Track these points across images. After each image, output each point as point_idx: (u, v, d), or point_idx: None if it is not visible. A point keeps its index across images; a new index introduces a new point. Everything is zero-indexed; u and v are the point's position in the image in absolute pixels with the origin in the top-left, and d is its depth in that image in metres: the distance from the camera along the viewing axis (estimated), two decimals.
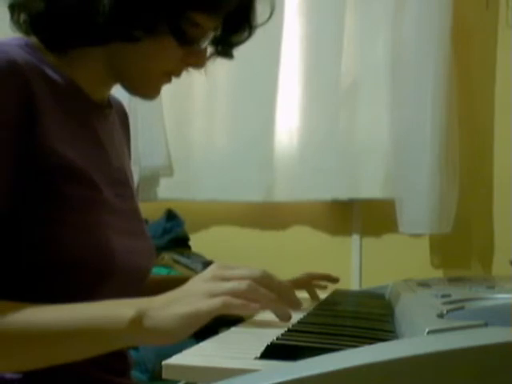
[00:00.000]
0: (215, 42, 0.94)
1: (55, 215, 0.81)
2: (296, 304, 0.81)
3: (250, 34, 0.95)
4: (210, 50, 0.95)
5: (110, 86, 0.97)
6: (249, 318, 0.85)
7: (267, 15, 0.94)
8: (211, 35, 0.91)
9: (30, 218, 0.80)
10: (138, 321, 0.70)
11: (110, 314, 0.72)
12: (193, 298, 0.71)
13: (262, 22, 0.95)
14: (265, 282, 0.75)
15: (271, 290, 0.75)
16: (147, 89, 0.93)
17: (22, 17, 0.87)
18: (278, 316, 0.77)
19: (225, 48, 0.95)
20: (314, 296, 1.21)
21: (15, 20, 0.88)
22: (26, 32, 0.87)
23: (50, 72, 0.86)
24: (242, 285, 0.72)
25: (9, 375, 0.82)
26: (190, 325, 0.69)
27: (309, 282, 1.22)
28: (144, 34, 0.84)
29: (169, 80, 0.93)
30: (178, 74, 0.93)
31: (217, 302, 0.70)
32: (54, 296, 0.77)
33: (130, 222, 0.95)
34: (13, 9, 0.87)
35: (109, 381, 0.92)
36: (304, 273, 1.23)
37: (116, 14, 0.82)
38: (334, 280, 1.25)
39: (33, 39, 0.87)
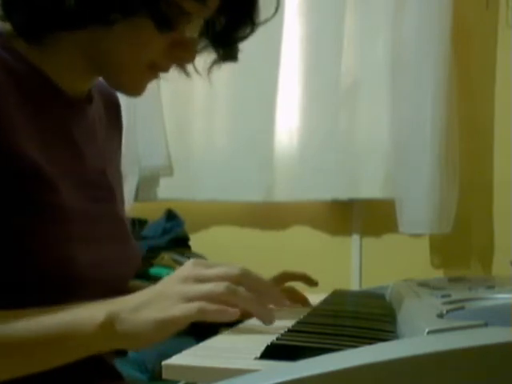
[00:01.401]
0: (216, 41, 0.88)
1: (15, 226, 0.75)
2: (279, 301, 0.77)
3: (252, 31, 0.87)
4: (210, 51, 0.90)
5: (88, 80, 0.89)
6: (248, 318, 0.82)
7: (270, 11, 0.88)
8: (199, 24, 0.84)
9: None
10: (108, 325, 0.67)
11: (79, 319, 0.69)
12: (167, 301, 0.68)
13: (267, 18, 0.88)
14: (244, 280, 0.71)
15: (251, 290, 0.71)
16: (130, 83, 0.85)
17: None
18: (259, 318, 0.73)
19: (227, 48, 0.89)
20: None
21: None
22: None
23: (16, 64, 0.79)
24: (218, 287, 0.68)
25: None
26: (164, 331, 0.67)
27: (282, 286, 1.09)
28: (121, 16, 0.77)
29: (155, 76, 0.85)
30: (164, 68, 0.85)
31: (192, 308, 0.66)
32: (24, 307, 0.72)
33: (106, 227, 0.88)
34: None
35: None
36: (279, 273, 1.10)
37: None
38: (312, 283, 1.12)
39: (5, 26, 0.80)
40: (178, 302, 0.68)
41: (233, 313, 0.68)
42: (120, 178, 0.99)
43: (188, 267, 0.72)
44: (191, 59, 0.86)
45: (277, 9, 0.89)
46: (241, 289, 0.70)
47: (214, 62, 0.91)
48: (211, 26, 0.87)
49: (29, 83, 0.81)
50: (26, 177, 0.76)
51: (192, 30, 0.84)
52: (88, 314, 0.69)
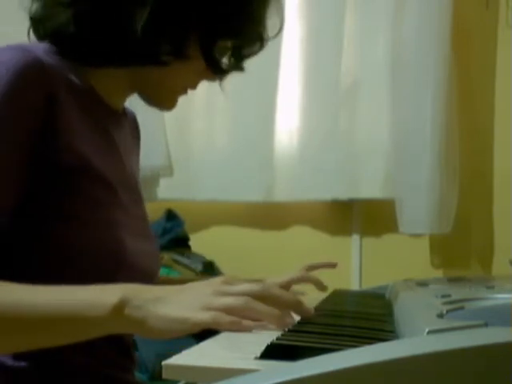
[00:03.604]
0: (228, 56, 0.97)
1: (72, 211, 0.83)
2: (306, 313, 0.78)
3: (261, 47, 0.97)
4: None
5: (127, 96, 1.00)
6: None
7: (277, 27, 0.99)
8: (227, 53, 0.95)
9: (44, 213, 0.82)
10: (120, 308, 0.70)
11: (93, 299, 0.71)
12: (187, 305, 0.70)
13: (273, 35, 0.98)
14: (267, 296, 0.72)
15: (274, 304, 0.72)
16: (166, 102, 0.97)
17: (43, 29, 0.89)
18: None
19: (237, 61, 0.97)
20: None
21: (35, 30, 0.90)
22: (45, 41, 0.89)
23: (71, 76, 0.87)
24: (238, 300, 0.70)
25: (10, 362, 0.83)
26: (173, 331, 0.68)
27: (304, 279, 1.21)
28: (174, 59, 0.88)
29: (185, 92, 0.97)
30: (195, 86, 0.97)
31: (207, 316, 0.68)
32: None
33: (141, 226, 0.97)
34: (35, 21, 0.90)
35: (117, 378, 0.93)
36: (302, 268, 1.22)
37: (148, 41, 0.85)
38: (332, 265, 1.28)
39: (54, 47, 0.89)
40: (197, 309, 0.69)
41: (246, 325, 0.69)
42: (140, 185, 1.06)
43: (216, 282, 0.74)
44: (217, 78, 0.98)
45: (281, 27, 1.00)
46: (260, 304, 0.71)
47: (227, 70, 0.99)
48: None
49: (82, 94, 0.89)
50: (81, 172, 0.85)
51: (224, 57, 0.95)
52: (102, 295, 0.72)
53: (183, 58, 0.88)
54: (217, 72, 0.94)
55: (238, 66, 0.98)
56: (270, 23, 0.97)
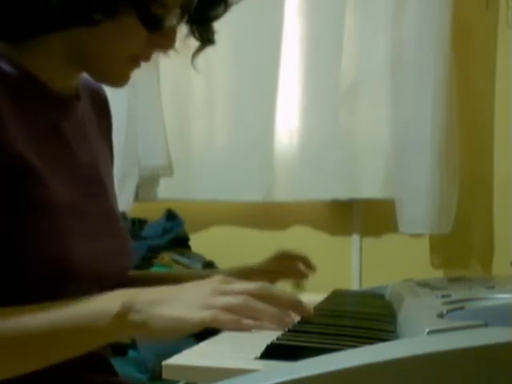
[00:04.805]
0: (190, 22, 0.89)
1: (8, 221, 0.76)
2: (306, 312, 0.78)
3: (225, 10, 0.88)
4: (185, 32, 0.89)
5: (74, 76, 0.90)
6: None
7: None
8: (177, 14, 0.84)
9: None
10: (123, 314, 0.69)
11: (95, 309, 0.71)
12: (186, 305, 0.70)
13: None
14: (265, 296, 0.72)
15: (273, 304, 0.72)
16: (113, 75, 0.87)
17: None
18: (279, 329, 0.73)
19: (201, 29, 0.89)
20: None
21: None
22: None
23: (3, 65, 0.80)
24: (237, 299, 0.70)
25: None
26: (175, 330, 0.69)
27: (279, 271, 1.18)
28: (104, 17, 0.78)
29: (137, 65, 0.87)
30: (146, 58, 0.86)
31: (206, 315, 0.68)
32: (23, 302, 0.73)
33: (100, 222, 0.89)
34: None
35: (97, 380, 0.91)
36: (277, 253, 1.19)
37: None
38: (311, 268, 1.21)
39: None
40: (196, 309, 0.69)
41: (245, 324, 0.69)
42: (112, 172, 1.00)
43: (214, 281, 0.73)
44: (171, 45, 0.86)
45: None
46: (259, 303, 0.71)
47: (197, 50, 0.91)
48: (185, 8, 0.86)
49: (18, 85, 0.81)
50: (17, 173, 0.77)
51: (171, 20, 0.84)
52: (104, 303, 0.71)
53: (113, 15, 0.77)
54: (152, 29, 0.81)
55: (204, 35, 0.89)
56: None
